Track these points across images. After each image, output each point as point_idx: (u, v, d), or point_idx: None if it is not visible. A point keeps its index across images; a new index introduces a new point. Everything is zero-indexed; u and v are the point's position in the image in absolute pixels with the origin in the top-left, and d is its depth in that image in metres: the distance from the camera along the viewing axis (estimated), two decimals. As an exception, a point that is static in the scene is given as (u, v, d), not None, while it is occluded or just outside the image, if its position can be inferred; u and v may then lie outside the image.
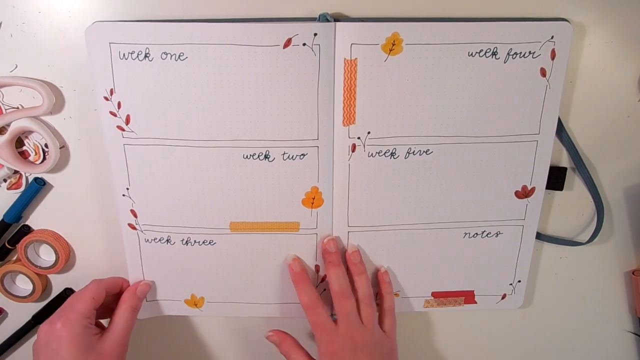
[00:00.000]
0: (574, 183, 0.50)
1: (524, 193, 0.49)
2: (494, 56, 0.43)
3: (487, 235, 0.51)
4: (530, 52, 0.43)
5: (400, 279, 0.53)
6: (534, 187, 0.49)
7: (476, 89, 0.44)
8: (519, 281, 0.54)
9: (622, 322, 0.57)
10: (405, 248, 0.51)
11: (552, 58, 0.43)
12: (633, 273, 0.54)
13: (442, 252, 0.52)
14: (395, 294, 0.53)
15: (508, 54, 0.43)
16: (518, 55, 0.43)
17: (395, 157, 0.46)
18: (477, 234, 0.51)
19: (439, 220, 0.50)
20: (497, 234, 0.51)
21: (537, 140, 0.47)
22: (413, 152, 0.47)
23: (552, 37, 0.43)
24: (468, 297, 0.55)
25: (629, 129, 0.48)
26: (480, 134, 0.46)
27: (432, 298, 0.54)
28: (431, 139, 0.46)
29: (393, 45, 0.42)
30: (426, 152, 0.47)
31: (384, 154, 0.46)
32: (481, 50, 0.43)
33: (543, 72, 0.44)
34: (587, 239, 0.52)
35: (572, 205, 0.51)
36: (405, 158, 0.47)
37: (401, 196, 0.48)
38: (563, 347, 0.59)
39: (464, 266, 0.53)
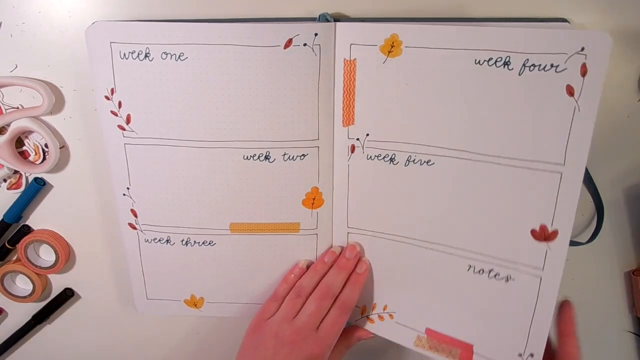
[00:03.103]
0: (574, 183, 0.50)
1: (543, 235, 0.42)
2: (506, 66, 0.38)
3: (494, 276, 0.44)
4: (552, 65, 0.37)
5: (397, 298, 0.50)
6: (557, 231, 0.41)
7: (484, 101, 0.40)
8: (532, 355, 0.44)
9: (622, 322, 0.57)
10: (404, 264, 0.48)
11: (583, 74, 0.37)
12: (633, 273, 0.54)
13: (442, 281, 0.47)
14: (390, 315, 0.51)
15: (524, 65, 0.38)
16: (536, 68, 0.38)
17: (394, 162, 0.45)
18: (482, 270, 0.45)
19: (441, 242, 0.46)
20: (507, 279, 0.44)
21: (562, 173, 0.40)
22: (413, 160, 0.44)
23: (583, 49, 0.36)
24: (465, 351, 0.47)
25: (629, 129, 0.48)
26: (489, 152, 0.41)
27: (425, 336, 0.49)
28: (432, 149, 0.43)
29: (392, 46, 0.41)
30: (427, 162, 0.44)
31: (383, 158, 0.45)
32: (490, 59, 0.39)
33: (570, 91, 0.37)
34: (587, 239, 0.51)
35: (572, 205, 0.51)
36: (405, 165, 0.44)
37: (400, 204, 0.46)
38: (563, 347, 0.59)
39: (465, 307, 0.46)
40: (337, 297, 0.48)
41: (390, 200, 0.46)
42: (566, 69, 0.37)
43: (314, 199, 0.48)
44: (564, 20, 0.43)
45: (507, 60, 0.38)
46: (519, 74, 0.38)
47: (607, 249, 0.53)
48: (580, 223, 0.52)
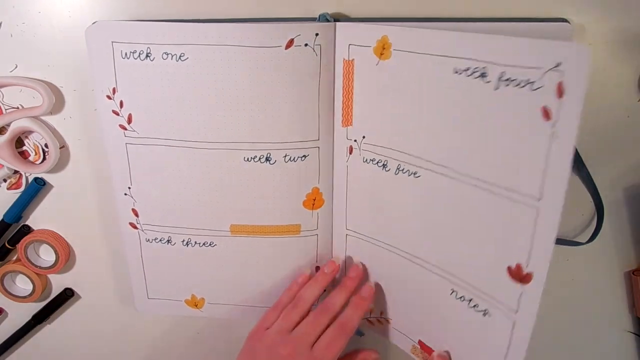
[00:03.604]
0: (574, 183, 0.50)
1: (519, 275, 0.37)
2: (482, 78, 0.34)
3: (474, 306, 0.41)
4: (527, 82, 0.32)
5: (391, 306, 0.49)
6: (531, 274, 0.36)
7: (462, 115, 0.36)
8: None
9: (622, 322, 0.57)
10: (397, 275, 0.47)
11: (559, 95, 0.31)
12: (633, 273, 0.54)
13: (429, 300, 0.45)
14: (387, 320, 0.51)
15: (499, 78, 0.33)
16: (512, 83, 0.32)
17: (386, 169, 0.43)
18: (463, 297, 0.42)
19: (428, 260, 0.44)
20: (484, 312, 0.40)
21: (538, 208, 0.34)
22: (402, 170, 0.42)
23: (558, 65, 0.30)
24: None
25: (629, 129, 0.48)
26: (469, 173, 0.37)
27: (419, 347, 0.48)
28: (419, 160, 0.40)
29: (383, 49, 0.39)
30: (414, 174, 0.41)
31: (377, 162, 0.44)
32: (468, 69, 0.34)
33: (546, 114, 0.31)
34: (587, 239, 0.51)
35: (572, 205, 0.51)
36: (395, 174, 0.43)
37: (391, 213, 0.44)
38: (563, 347, 0.59)
39: (446, 330, 0.45)
40: (338, 317, 0.46)
41: (383, 207, 0.45)
42: (542, 86, 0.31)
43: (314, 200, 0.48)
44: (564, 20, 0.43)
45: (483, 72, 0.33)
46: (495, 89, 0.33)
47: (607, 249, 0.53)
48: (580, 223, 0.52)
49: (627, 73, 0.46)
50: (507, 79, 0.33)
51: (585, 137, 0.48)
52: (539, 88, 0.31)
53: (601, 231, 0.51)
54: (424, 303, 0.46)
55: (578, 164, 0.49)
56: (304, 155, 0.45)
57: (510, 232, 0.37)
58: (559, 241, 0.52)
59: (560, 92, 0.30)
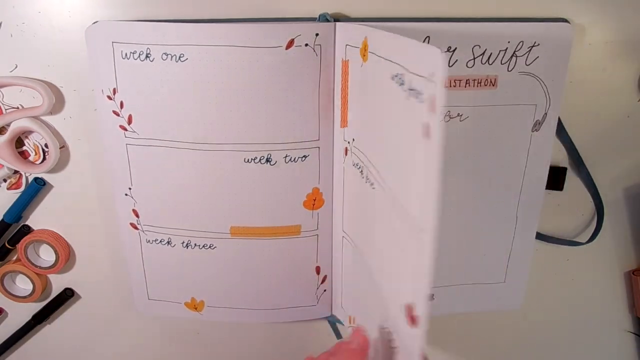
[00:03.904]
0: (574, 183, 0.50)
1: (410, 316, 0.31)
2: (402, 86, 0.30)
3: (389, 340, 0.37)
4: (419, 92, 0.27)
5: (366, 319, 0.44)
6: (418, 317, 0.30)
7: (398, 128, 0.32)
8: None
9: (622, 322, 0.57)
10: (367, 290, 0.43)
11: (431, 109, 0.26)
12: (633, 273, 0.54)
13: (377, 323, 0.40)
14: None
15: (409, 87, 0.29)
16: (413, 93, 0.28)
17: (362, 176, 0.41)
18: (387, 329, 0.37)
19: (380, 281, 0.40)
20: (396, 349, 0.36)
21: (422, 241, 0.28)
22: (369, 180, 0.39)
23: (432, 75, 0.25)
24: None
25: (629, 129, 0.48)
26: (394, 188, 0.33)
27: None
28: (377, 173, 0.37)
29: (365, 50, 0.38)
30: (371, 184, 0.38)
31: (358, 167, 0.42)
32: (396, 75, 0.30)
33: (426, 131, 0.26)
34: (587, 239, 0.52)
35: (572, 205, 0.51)
36: (365, 182, 0.40)
37: (373, 225, 0.40)
38: (563, 347, 0.59)
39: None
40: None
41: (366, 215, 0.42)
42: (426, 100, 0.26)
43: (314, 200, 0.48)
44: (564, 20, 0.43)
45: (402, 79, 0.29)
46: (406, 98, 0.29)
47: (607, 249, 0.53)
48: (580, 223, 0.52)
49: (627, 73, 0.46)
50: (411, 88, 0.28)
51: (585, 137, 0.48)
52: (424, 101, 0.27)
53: (601, 231, 0.51)
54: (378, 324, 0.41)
55: (578, 164, 0.49)
56: (304, 156, 0.45)
57: (407, 265, 0.31)
58: (559, 241, 0.52)
59: (432, 106, 0.25)
